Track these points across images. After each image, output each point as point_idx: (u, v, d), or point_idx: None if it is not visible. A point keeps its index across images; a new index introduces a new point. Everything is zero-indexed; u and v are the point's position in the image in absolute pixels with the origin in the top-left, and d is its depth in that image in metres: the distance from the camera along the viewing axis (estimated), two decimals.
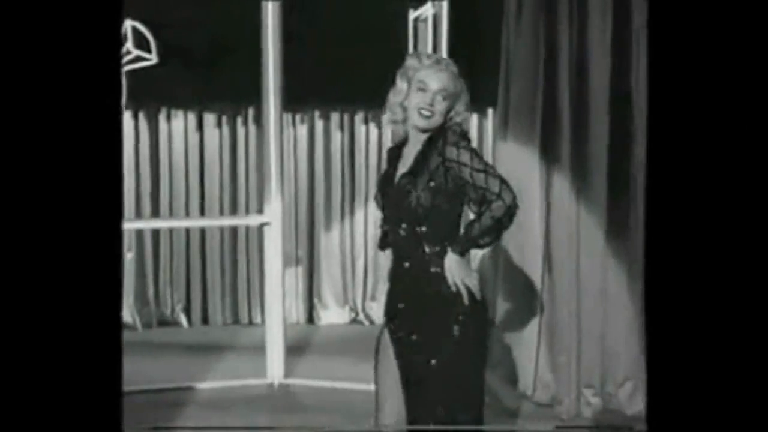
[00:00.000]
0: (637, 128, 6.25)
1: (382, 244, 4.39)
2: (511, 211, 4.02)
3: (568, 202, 6.33)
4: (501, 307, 6.43)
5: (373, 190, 9.30)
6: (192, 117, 9.30)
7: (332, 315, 9.47)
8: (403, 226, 4.11)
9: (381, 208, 4.30)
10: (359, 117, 9.43)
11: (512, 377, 6.49)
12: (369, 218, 9.36)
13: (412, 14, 7.21)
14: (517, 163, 6.32)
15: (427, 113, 4.08)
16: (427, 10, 6.87)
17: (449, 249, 4.07)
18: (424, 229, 4.08)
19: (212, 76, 8.63)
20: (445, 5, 6.67)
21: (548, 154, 6.32)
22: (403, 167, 4.16)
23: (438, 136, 4.09)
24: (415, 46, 6.98)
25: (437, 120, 4.10)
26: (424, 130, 4.12)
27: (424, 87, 4.09)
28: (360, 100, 9.07)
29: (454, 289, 4.07)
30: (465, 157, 4.04)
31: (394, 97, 4.19)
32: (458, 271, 4.07)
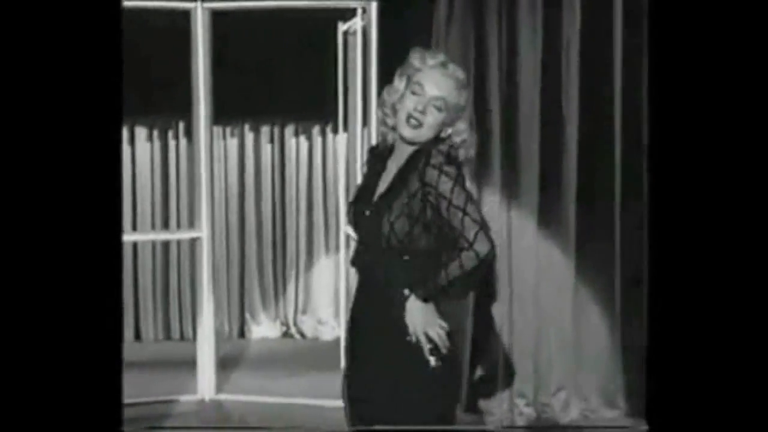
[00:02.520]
0: (567, 132, 6.32)
1: (357, 261, 3.77)
2: (484, 265, 3.43)
3: (499, 213, 6.35)
4: None
5: (302, 203, 9.37)
6: (123, 131, 9.24)
7: (264, 329, 9.43)
8: (368, 253, 3.59)
9: (353, 225, 3.69)
10: (289, 130, 9.40)
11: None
12: (300, 231, 9.36)
13: (342, 27, 7.20)
14: None
15: (414, 122, 3.49)
16: (356, 23, 6.86)
17: (412, 293, 3.47)
18: (392, 265, 3.50)
19: (142, 89, 8.56)
20: (374, 19, 6.66)
21: (479, 163, 6.33)
22: (384, 183, 3.60)
23: (424, 154, 3.49)
24: (345, 59, 6.97)
25: (425, 133, 3.51)
26: (409, 142, 3.54)
27: (419, 90, 3.50)
28: (290, 113, 9.08)
29: (414, 339, 3.49)
30: (445, 186, 3.41)
31: (388, 96, 3.61)
32: (421, 319, 3.47)
